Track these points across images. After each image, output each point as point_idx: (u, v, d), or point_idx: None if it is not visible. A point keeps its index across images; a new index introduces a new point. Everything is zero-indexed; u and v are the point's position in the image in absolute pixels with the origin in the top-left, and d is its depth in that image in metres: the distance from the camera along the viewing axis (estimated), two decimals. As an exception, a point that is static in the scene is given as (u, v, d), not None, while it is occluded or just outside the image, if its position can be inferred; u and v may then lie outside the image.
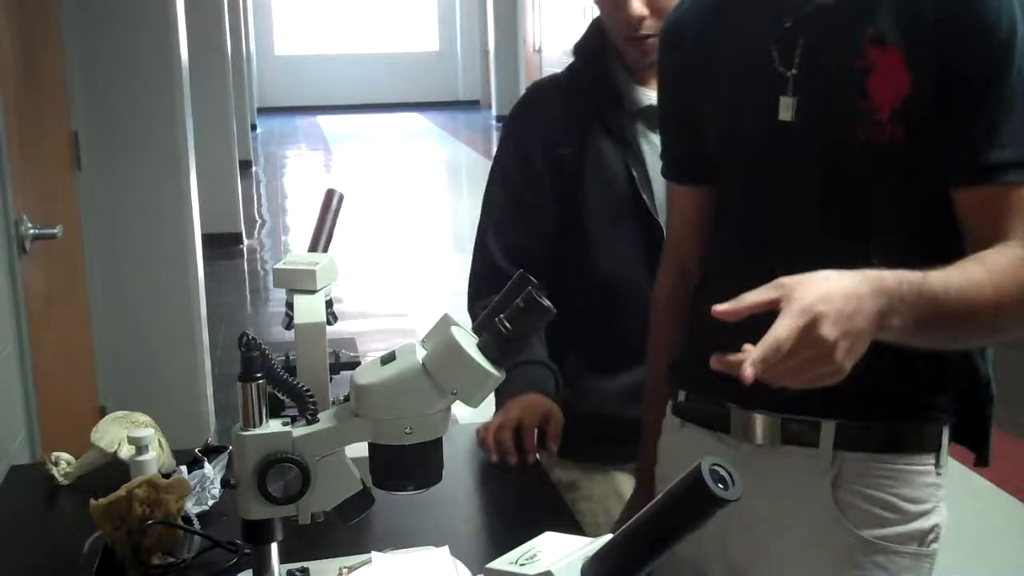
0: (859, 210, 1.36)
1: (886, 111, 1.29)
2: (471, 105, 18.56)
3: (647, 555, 1.02)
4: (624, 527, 1.05)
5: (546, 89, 2.04)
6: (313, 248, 1.70)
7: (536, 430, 1.79)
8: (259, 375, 1.22)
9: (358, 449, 1.26)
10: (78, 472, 1.74)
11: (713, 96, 1.47)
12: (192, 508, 1.57)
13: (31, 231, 2.56)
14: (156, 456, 1.64)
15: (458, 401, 1.21)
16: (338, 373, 1.59)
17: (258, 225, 9.21)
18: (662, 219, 1.83)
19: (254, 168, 12.01)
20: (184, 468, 1.67)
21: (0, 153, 2.45)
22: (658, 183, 1.84)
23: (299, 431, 1.22)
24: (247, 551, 1.40)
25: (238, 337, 1.23)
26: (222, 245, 7.54)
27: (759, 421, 1.42)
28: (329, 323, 1.55)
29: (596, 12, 1.93)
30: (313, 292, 1.57)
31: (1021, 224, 1.26)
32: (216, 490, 1.63)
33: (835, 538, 1.39)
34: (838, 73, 1.33)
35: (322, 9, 18.91)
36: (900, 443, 1.39)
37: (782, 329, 1.11)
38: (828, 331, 1.11)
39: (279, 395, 1.26)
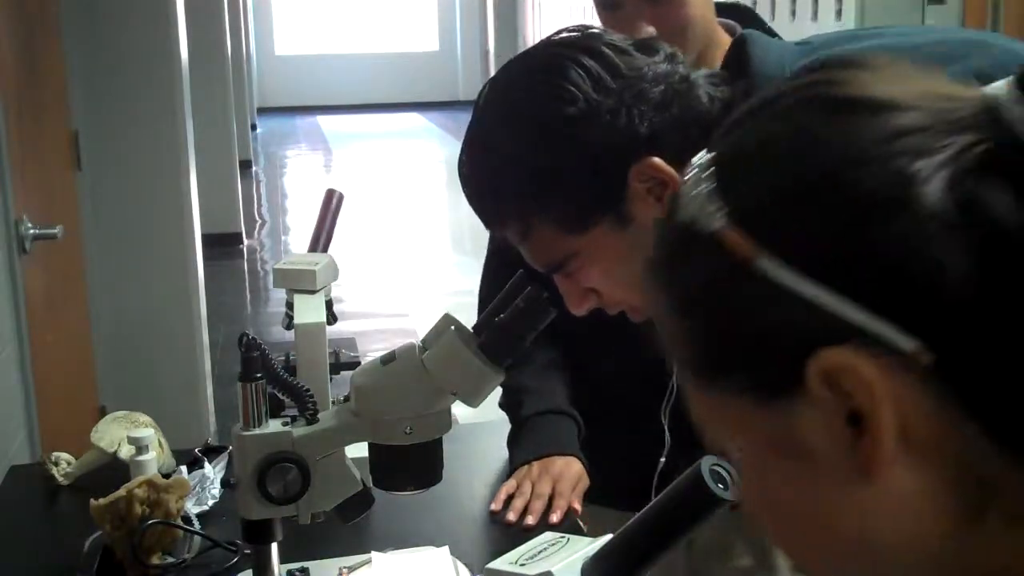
0: None
1: None
2: (471, 105, 18.45)
3: (647, 555, 1.03)
4: (624, 527, 1.05)
5: None
6: (313, 248, 1.70)
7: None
8: (259, 375, 1.22)
9: (358, 449, 1.26)
10: (78, 472, 1.73)
11: None
12: (192, 508, 1.57)
13: (31, 231, 2.56)
14: (156, 456, 1.64)
15: (458, 401, 1.21)
16: (338, 373, 1.59)
17: (258, 225, 9.20)
18: None
19: (254, 168, 11.99)
20: (184, 468, 1.67)
21: (0, 153, 2.45)
22: None
23: (299, 431, 1.22)
24: (247, 551, 1.39)
25: (238, 337, 1.23)
26: (222, 245, 7.52)
27: None
28: (329, 323, 1.55)
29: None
30: (313, 292, 1.57)
31: None
32: (216, 490, 1.63)
33: None
34: None
35: (322, 9, 18.89)
36: None
37: None
38: None
39: (279, 395, 1.26)
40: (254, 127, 13.87)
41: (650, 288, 0.60)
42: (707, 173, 0.57)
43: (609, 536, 1.07)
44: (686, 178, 0.59)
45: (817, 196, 0.53)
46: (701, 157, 0.58)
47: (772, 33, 1.61)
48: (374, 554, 1.41)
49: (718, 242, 0.54)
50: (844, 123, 0.54)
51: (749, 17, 1.65)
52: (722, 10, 1.59)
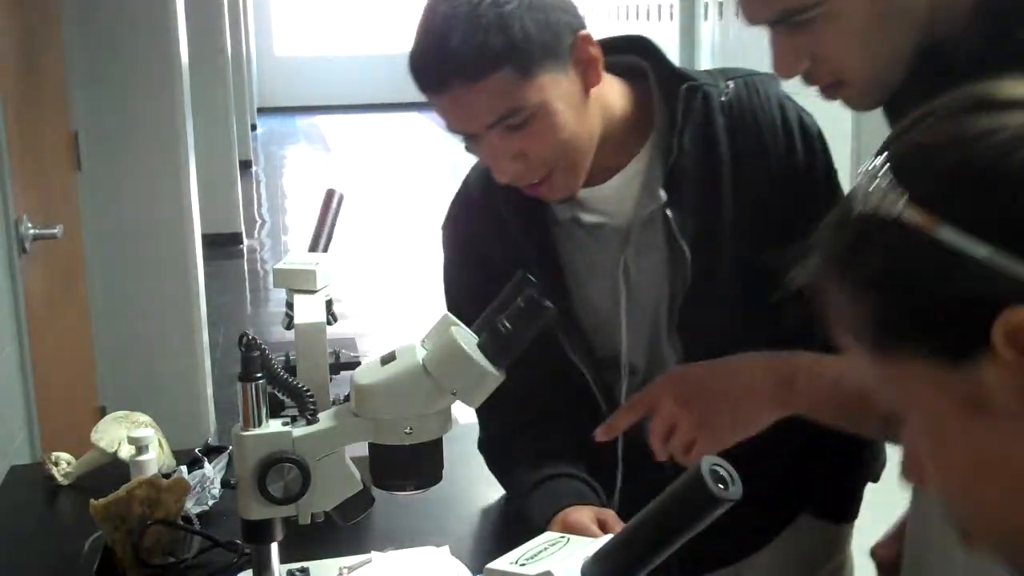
0: None
1: None
2: (471, 105, 18.46)
3: (647, 555, 1.02)
4: (624, 527, 1.05)
5: (473, 189, 1.66)
6: (313, 248, 1.70)
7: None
8: (259, 375, 1.22)
9: (358, 449, 1.26)
10: (78, 472, 1.73)
11: None
12: (192, 508, 1.57)
13: (31, 231, 2.56)
14: (156, 456, 1.64)
15: (458, 401, 1.21)
16: (338, 373, 1.59)
17: (258, 225, 9.20)
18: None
19: (254, 168, 11.99)
20: (184, 468, 1.67)
21: (0, 153, 2.45)
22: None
23: (299, 431, 1.22)
24: (247, 551, 1.40)
25: (238, 337, 1.23)
26: (222, 245, 7.53)
27: None
28: (329, 323, 1.55)
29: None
30: (313, 292, 1.57)
31: None
32: (216, 490, 1.63)
33: None
34: None
35: (322, 9, 18.89)
36: None
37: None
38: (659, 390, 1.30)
39: (279, 395, 1.26)
40: (254, 127, 13.87)
41: (823, 286, 0.67)
42: (883, 171, 0.64)
43: (609, 536, 1.07)
44: (858, 179, 0.66)
45: (983, 175, 0.60)
46: (873, 160, 0.66)
47: (671, 66, 1.45)
48: (374, 554, 1.41)
49: (900, 223, 0.62)
50: (997, 118, 0.62)
51: (646, 49, 1.48)
52: (620, 44, 1.47)
